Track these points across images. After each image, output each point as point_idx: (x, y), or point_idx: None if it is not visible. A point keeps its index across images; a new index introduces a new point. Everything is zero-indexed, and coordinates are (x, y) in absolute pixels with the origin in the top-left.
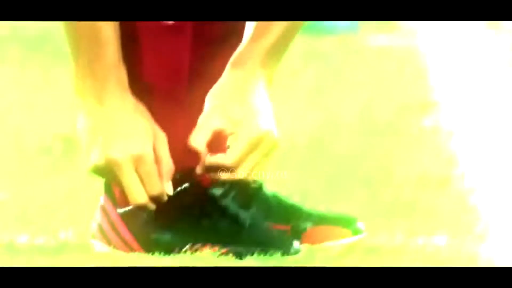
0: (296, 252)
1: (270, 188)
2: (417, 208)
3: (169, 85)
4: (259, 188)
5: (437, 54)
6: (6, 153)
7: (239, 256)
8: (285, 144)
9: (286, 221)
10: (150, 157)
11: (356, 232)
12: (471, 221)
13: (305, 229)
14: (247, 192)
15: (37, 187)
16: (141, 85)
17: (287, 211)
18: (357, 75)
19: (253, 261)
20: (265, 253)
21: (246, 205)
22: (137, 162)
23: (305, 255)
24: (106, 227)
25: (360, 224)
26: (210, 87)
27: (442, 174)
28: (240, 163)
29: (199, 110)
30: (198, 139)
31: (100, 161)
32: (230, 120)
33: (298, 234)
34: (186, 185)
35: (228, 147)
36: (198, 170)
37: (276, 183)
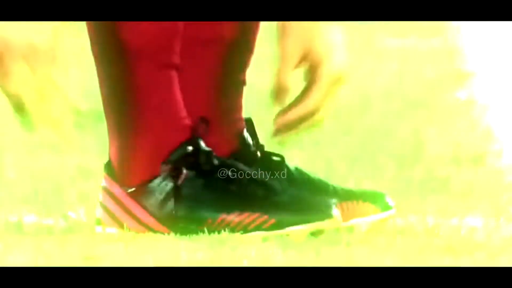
0: (335, 218)
1: (293, 163)
2: (450, 187)
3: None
4: (281, 162)
5: (472, 25)
6: (14, 131)
7: (280, 224)
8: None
9: (312, 195)
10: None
11: (385, 208)
12: (508, 201)
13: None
14: (269, 167)
15: (45, 166)
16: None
17: (311, 186)
18: (387, 46)
19: (293, 227)
20: (307, 220)
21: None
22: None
23: (332, 233)
24: (114, 208)
25: (389, 200)
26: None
27: (477, 151)
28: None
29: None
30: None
31: None
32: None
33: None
34: (207, 149)
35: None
36: (279, 126)
37: (301, 158)
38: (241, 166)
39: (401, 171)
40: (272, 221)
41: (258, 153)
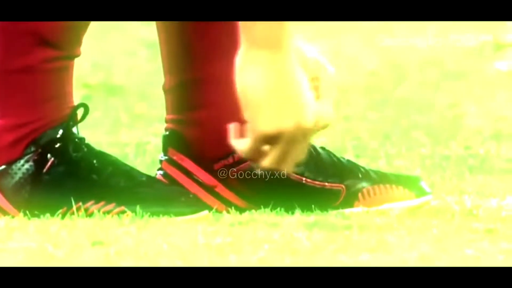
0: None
1: (320, 141)
2: (490, 164)
3: None
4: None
5: None
6: None
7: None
8: (338, 88)
9: (340, 179)
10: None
11: (420, 193)
12: None
13: (361, 189)
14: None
15: None
16: None
17: (340, 168)
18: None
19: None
20: (167, 213)
21: None
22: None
23: (361, 218)
24: None
25: (424, 185)
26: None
27: None
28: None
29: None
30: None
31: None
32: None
33: (353, 194)
34: (79, 136)
35: None
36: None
37: (328, 135)
38: (112, 157)
39: (436, 148)
40: (129, 213)
41: None
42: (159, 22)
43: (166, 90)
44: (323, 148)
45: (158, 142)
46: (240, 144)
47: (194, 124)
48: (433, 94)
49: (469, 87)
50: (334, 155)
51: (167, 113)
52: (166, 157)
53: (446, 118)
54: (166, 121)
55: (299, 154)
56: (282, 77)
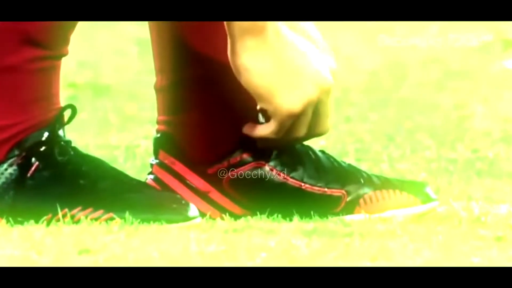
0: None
1: (319, 144)
2: (500, 168)
3: None
4: (308, 146)
5: None
6: None
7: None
8: (339, 89)
9: (340, 184)
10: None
11: (426, 200)
12: None
13: (362, 195)
14: (294, 152)
15: None
16: None
17: (341, 173)
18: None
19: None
20: (158, 220)
21: (292, 167)
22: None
23: (363, 225)
24: None
25: (430, 190)
26: None
27: None
28: None
29: None
30: None
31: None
32: None
33: (355, 200)
34: (65, 139)
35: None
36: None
37: (328, 137)
38: (100, 161)
39: (442, 151)
40: (117, 220)
41: None
42: (151, 24)
43: (157, 90)
44: (323, 151)
45: (149, 145)
46: (265, 130)
47: (187, 125)
48: (437, 94)
49: (475, 87)
50: (335, 159)
51: (159, 114)
52: (157, 161)
53: (451, 119)
54: (158, 123)
55: (329, 113)
56: (282, 53)
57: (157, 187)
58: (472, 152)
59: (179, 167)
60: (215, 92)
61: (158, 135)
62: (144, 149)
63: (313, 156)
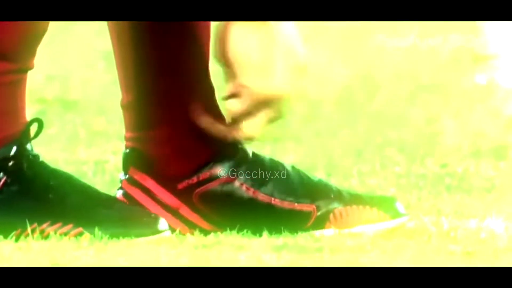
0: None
1: (290, 159)
2: (469, 183)
3: None
4: (278, 162)
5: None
6: None
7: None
8: (309, 102)
9: (310, 199)
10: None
11: (395, 215)
12: None
13: (332, 210)
14: (264, 167)
15: None
16: None
17: (311, 187)
18: (396, 23)
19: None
20: (127, 234)
21: (261, 182)
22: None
23: (333, 240)
24: None
25: (399, 206)
26: None
27: (499, 142)
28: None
29: None
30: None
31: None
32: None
33: (325, 215)
34: (33, 153)
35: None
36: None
37: (298, 152)
38: (69, 175)
39: (412, 166)
40: (87, 235)
41: (249, 153)
42: (113, 34)
43: (123, 107)
44: (293, 166)
45: (118, 160)
46: (235, 104)
47: (155, 141)
48: (408, 108)
49: (446, 101)
50: (304, 174)
51: (126, 131)
52: (127, 176)
53: (421, 134)
54: (126, 139)
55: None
56: (274, 42)
57: (127, 202)
58: (442, 167)
59: (149, 183)
60: (181, 106)
61: (127, 150)
62: (113, 164)
63: (283, 171)
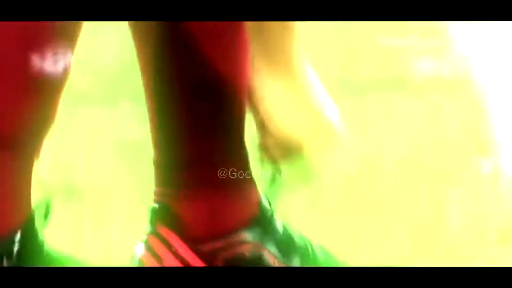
0: None
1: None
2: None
3: None
4: (308, 240)
5: (496, 83)
6: None
7: None
8: (314, 183)
9: None
10: None
11: None
12: None
13: None
14: (292, 242)
15: None
16: None
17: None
18: (401, 108)
19: None
20: None
21: (288, 255)
22: None
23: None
24: None
25: None
26: None
27: (505, 229)
28: None
29: None
30: None
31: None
32: None
33: None
34: None
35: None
36: None
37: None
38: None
39: (416, 250)
40: None
41: (279, 224)
42: (148, 93)
43: (154, 162)
44: (320, 247)
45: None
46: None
47: (184, 199)
48: (411, 196)
49: (449, 190)
50: (331, 257)
51: (156, 185)
52: (152, 230)
53: (425, 221)
54: (154, 193)
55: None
56: (307, 94)
57: (148, 255)
58: (447, 255)
59: (173, 239)
60: (213, 169)
61: (155, 205)
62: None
63: (310, 251)
